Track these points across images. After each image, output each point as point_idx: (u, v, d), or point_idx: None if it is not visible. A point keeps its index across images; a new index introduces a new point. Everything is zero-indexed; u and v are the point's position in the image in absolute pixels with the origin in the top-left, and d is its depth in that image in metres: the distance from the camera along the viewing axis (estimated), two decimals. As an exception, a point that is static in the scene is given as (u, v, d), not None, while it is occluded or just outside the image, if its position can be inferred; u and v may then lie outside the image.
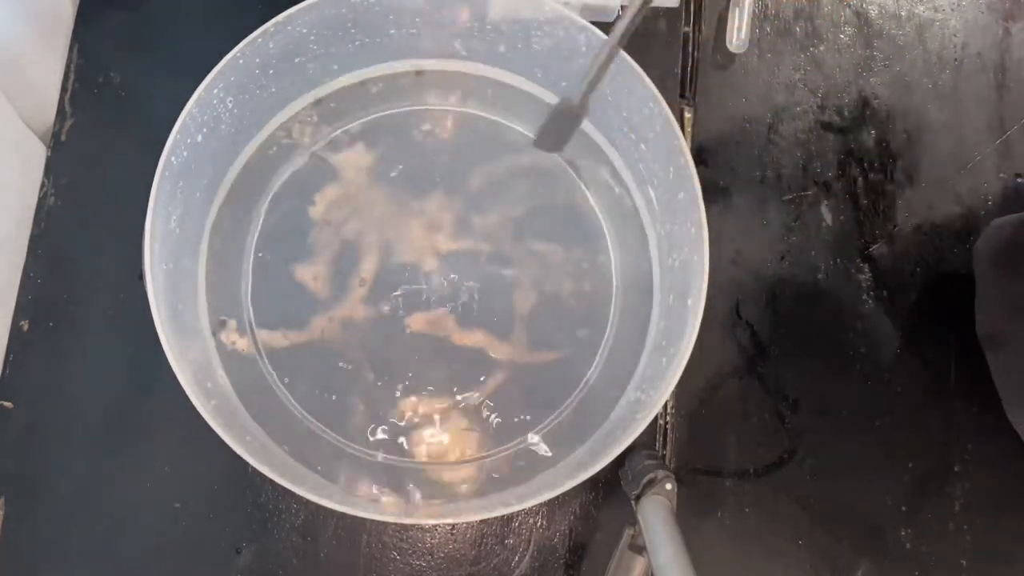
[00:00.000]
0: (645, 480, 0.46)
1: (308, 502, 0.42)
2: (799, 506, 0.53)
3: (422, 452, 0.50)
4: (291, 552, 0.50)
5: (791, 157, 0.58)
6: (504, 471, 0.50)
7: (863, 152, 0.58)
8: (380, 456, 0.49)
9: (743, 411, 0.54)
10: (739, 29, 0.58)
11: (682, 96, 0.58)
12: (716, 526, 0.52)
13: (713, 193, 0.56)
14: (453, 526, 0.51)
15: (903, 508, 0.53)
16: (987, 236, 0.56)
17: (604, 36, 0.46)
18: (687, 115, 0.58)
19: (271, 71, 0.48)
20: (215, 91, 0.45)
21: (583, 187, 0.54)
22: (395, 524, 0.51)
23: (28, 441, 0.50)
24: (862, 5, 0.61)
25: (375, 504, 0.46)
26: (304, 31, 0.47)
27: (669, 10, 0.59)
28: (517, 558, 0.51)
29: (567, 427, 0.51)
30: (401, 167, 0.54)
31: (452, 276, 0.52)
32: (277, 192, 0.52)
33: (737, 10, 0.58)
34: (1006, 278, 0.53)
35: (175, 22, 0.57)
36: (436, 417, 0.50)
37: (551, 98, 0.54)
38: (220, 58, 0.44)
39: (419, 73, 0.55)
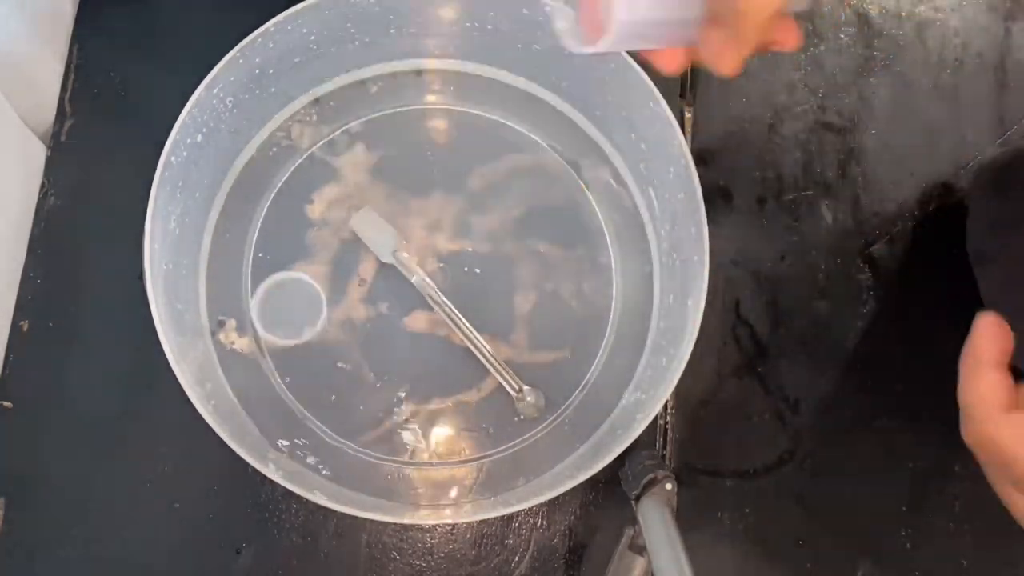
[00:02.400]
0: (645, 480, 0.46)
1: (308, 502, 0.42)
2: (799, 506, 0.53)
3: (422, 452, 0.50)
4: (291, 552, 0.50)
5: (791, 157, 0.58)
6: (504, 471, 0.50)
7: (863, 152, 0.58)
8: (380, 456, 0.49)
9: (743, 411, 0.54)
10: (739, 29, 0.58)
11: (682, 96, 0.58)
12: (716, 526, 0.52)
13: (713, 193, 0.56)
14: (453, 526, 0.51)
15: (903, 508, 0.53)
16: (979, 162, 0.56)
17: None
18: (687, 115, 0.58)
19: (271, 71, 0.48)
20: (215, 91, 0.45)
21: (584, 187, 0.54)
22: (395, 524, 0.51)
23: (28, 441, 0.50)
24: (862, 5, 0.61)
25: (375, 504, 0.46)
26: (304, 31, 0.47)
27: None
28: (517, 558, 0.51)
29: (567, 427, 0.51)
30: (401, 167, 0.54)
31: (452, 276, 0.52)
32: (277, 192, 0.52)
33: (737, 10, 0.58)
34: (993, 196, 0.53)
35: (175, 22, 0.57)
36: (436, 417, 0.50)
37: (551, 98, 0.54)
38: (220, 58, 0.44)
39: (419, 73, 0.55)
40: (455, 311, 0.50)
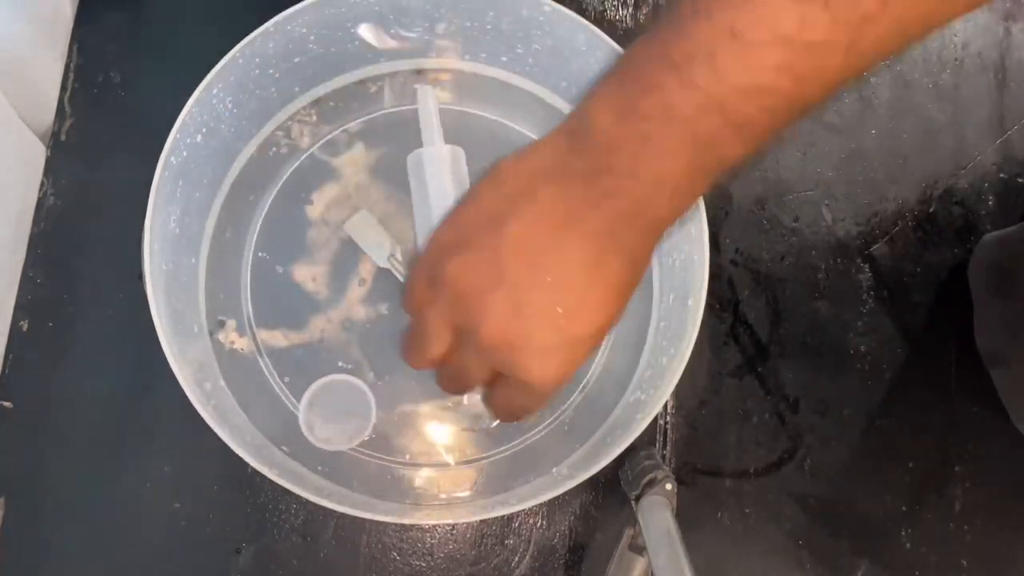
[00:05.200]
0: (645, 480, 0.46)
1: (308, 502, 0.42)
2: (799, 506, 0.53)
3: (422, 452, 0.50)
4: (291, 552, 0.50)
5: (791, 157, 0.58)
6: (504, 471, 0.50)
7: (863, 152, 0.58)
8: (380, 456, 0.49)
9: (743, 411, 0.54)
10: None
11: (682, 96, 0.58)
12: (716, 526, 0.52)
13: (713, 193, 0.56)
14: (453, 526, 0.51)
15: (903, 508, 0.53)
16: (978, 255, 0.56)
17: (605, 36, 0.46)
18: (687, 115, 0.57)
19: (271, 71, 0.48)
20: (215, 91, 0.45)
21: (583, 187, 0.54)
22: (395, 524, 0.51)
23: (28, 441, 0.50)
24: (862, 5, 0.61)
25: (375, 504, 0.46)
26: (304, 31, 0.47)
27: (669, 10, 0.59)
28: (517, 558, 0.51)
29: (567, 427, 0.51)
30: (400, 167, 0.53)
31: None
32: (276, 192, 0.52)
33: (737, 10, 0.58)
34: (998, 297, 0.53)
35: (175, 22, 0.57)
36: (436, 417, 0.50)
37: (551, 98, 0.54)
38: (220, 58, 0.44)
39: (419, 73, 0.54)
40: None
